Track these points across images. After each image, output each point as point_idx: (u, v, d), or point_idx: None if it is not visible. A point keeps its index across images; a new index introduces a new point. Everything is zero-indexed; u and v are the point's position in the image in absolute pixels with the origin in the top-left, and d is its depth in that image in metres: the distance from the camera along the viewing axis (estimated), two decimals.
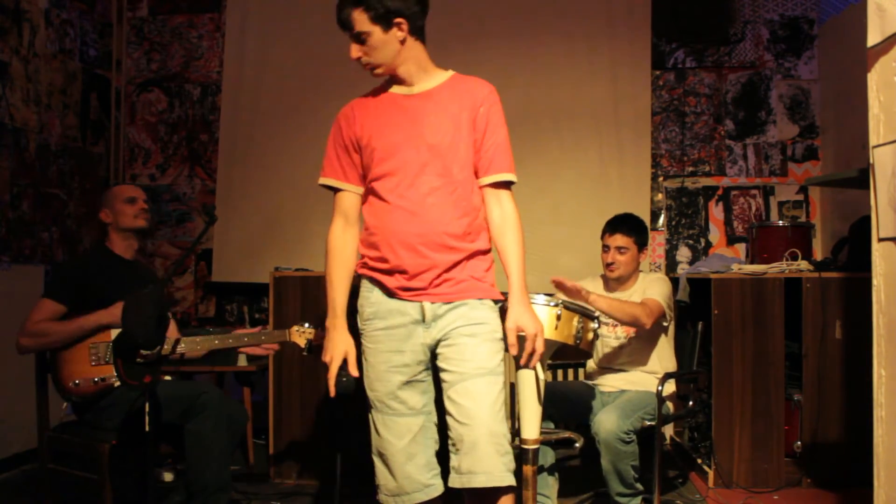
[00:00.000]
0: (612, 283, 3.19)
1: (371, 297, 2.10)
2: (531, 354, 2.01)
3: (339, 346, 2.06)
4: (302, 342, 2.74)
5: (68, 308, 2.68)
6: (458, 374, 1.99)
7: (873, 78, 2.03)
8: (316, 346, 2.70)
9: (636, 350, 3.10)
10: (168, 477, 3.44)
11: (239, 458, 3.72)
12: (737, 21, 4.57)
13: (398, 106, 2.08)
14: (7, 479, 3.60)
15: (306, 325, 2.76)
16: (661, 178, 4.58)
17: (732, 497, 3.25)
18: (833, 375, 3.36)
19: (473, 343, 2.00)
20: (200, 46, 4.82)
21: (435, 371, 2.10)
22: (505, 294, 2.09)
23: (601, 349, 3.18)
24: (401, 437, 2.05)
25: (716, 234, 4.56)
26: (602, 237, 3.18)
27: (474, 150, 2.06)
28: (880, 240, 2.03)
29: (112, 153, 4.77)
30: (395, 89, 2.11)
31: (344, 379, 2.08)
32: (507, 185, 2.09)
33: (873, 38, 2.00)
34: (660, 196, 4.57)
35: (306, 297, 3.50)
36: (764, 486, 3.33)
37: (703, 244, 4.56)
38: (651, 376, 3.06)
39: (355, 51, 2.02)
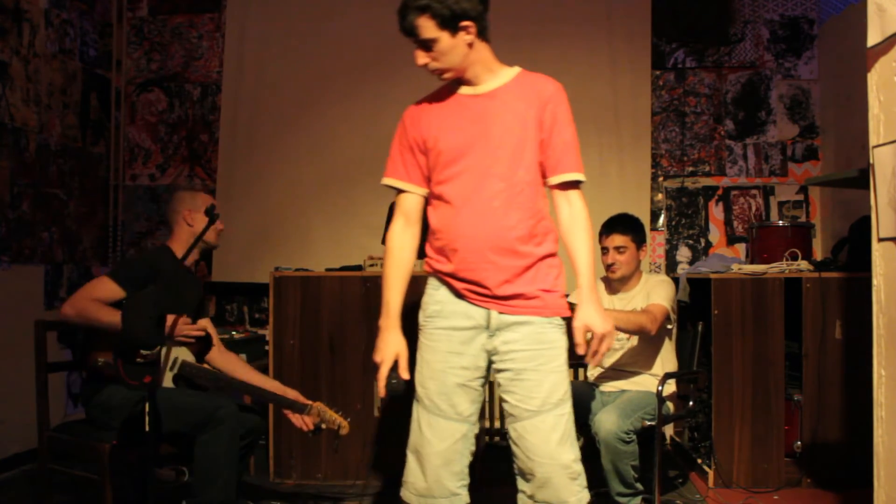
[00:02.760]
0: (615, 284, 3.19)
1: (436, 295, 2.08)
2: (596, 353, 1.99)
3: (390, 347, 2.03)
4: (315, 420, 2.71)
5: (125, 296, 2.63)
6: (524, 411, 1.98)
7: (873, 78, 2.03)
8: (321, 432, 2.72)
9: (639, 353, 3.10)
10: (169, 475, 3.43)
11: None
12: (737, 21, 4.57)
13: (464, 107, 2.04)
14: (7, 479, 3.60)
15: (333, 412, 2.73)
16: (661, 178, 4.58)
17: (732, 497, 3.25)
18: (833, 375, 3.36)
19: (538, 377, 1.98)
20: (200, 46, 4.82)
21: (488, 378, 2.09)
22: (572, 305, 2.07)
23: None
24: (443, 439, 2.02)
25: (716, 234, 4.56)
26: (600, 240, 3.18)
27: (541, 150, 2.02)
28: (880, 240, 2.03)
29: (112, 153, 4.77)
30: (461, 89, 2.06)
31: (394, 381, 2.03)
32: (575, 184, 2.05)
33: (873, 38, 2.00)
34: (660, 196, 4.57)
35: (306, 297, 3.50)
36: (764, 486, 3.33)
37: (703, 244, 4.56)
38: (652, 377, 3.06)
39: (422, 57, 1.97)
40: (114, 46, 4.79)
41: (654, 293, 3.04)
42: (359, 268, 3.55)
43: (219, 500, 2.58)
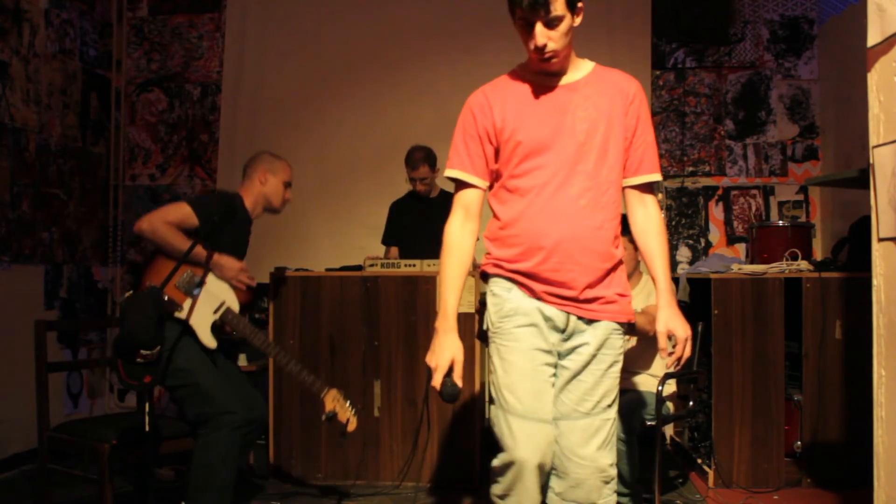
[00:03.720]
0: None
1: (509, 295, 1.96)
2: (679, 359, 1.96)
3: (447, 352, 1.90)
4: (329, 406, 2.75)
5: (198, 226, 2.71)
6: (574, 411, 1.95)
7: (873, 78, 2.03)
8: (333, 420, 2.75)
9: (639, 353, 3.10)
10: (169, 475, 3.44)
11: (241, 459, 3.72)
12: (737, 21, 4.57)
13: (543, 97, 1.94)
14: (7, 479, 3.61)
15: (348, 403, 2.76)
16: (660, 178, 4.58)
17: (732, 497, 3.25)
18: (833, 375, 3.36)
19: (594, 380, 1.95)
20: (200, 46, 4.82)
21: None
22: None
23: None
24: (538, 447, 1.90)
25: (716, 234, 4.56)
26: None
27: (623, 149, 1.96)
28: (880, 240, 2.03)
29: (112, 153, 4.77)
30: (538, 78, 1.96)
31: (450, 385, 1.89)
32: (651, 187, 2.02)
33: (873, 38, 2.00)
34: (660, 196, 4.57)
35: (306, 297, 3.50)
36: (764, 486, 3.33)
37: (703, 244, 4.56)
38: (652, 377, 3.06)
39: (542, 37, 1.83)
40: (114, 46, 4.79)
41: (653, 294, 3.04)
42: (359, 268, 3.54)
43: None
